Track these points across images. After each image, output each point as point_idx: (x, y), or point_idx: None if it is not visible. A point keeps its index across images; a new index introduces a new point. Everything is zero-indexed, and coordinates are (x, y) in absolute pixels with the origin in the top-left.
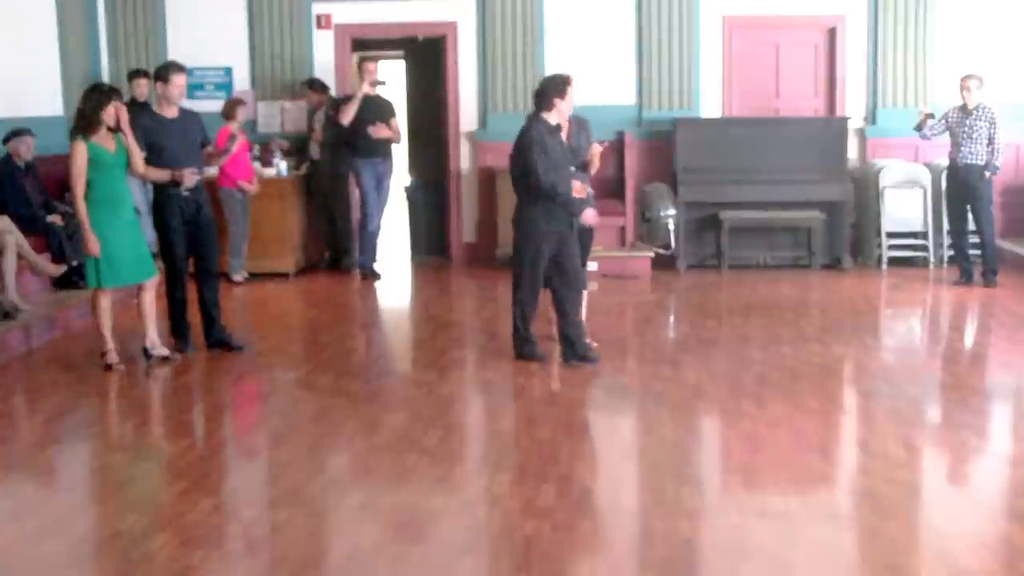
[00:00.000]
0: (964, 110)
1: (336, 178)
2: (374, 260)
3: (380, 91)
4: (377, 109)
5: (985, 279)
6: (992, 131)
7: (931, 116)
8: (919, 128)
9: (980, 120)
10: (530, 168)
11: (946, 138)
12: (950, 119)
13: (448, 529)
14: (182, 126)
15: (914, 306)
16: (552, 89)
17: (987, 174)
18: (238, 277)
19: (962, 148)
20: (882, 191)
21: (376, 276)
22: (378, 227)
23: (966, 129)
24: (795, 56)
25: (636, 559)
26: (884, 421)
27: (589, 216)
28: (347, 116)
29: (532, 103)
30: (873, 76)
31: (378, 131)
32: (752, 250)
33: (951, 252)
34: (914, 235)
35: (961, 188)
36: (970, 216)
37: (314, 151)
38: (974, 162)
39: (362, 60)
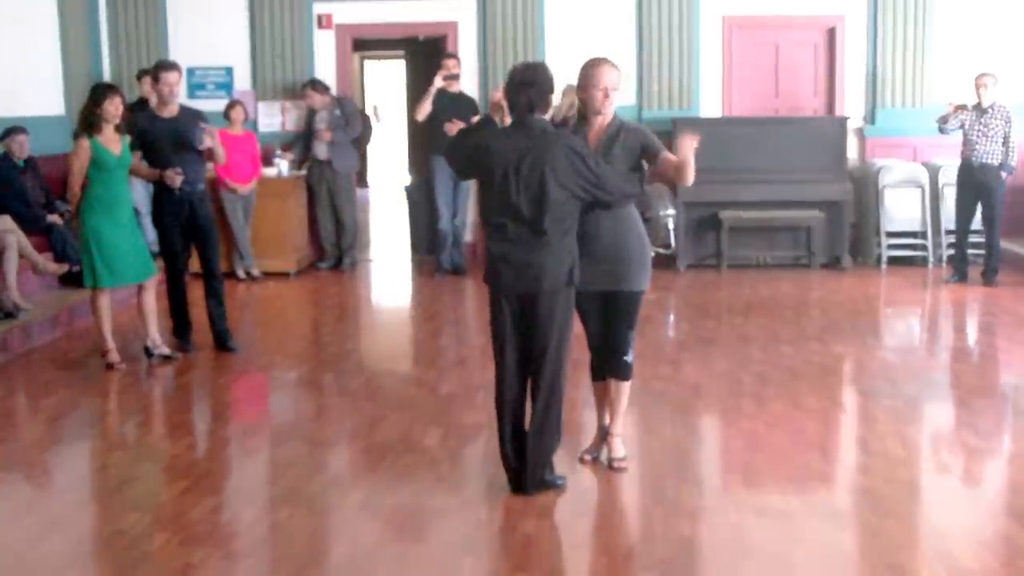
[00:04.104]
0: (979, 109)
1: (344, 177)
2: (445, 256)
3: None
4: (456, 105)
5: (986, 278)
6: (1007, 130)
7: (963, 107)
8: (944, 121)
9: (995, 119)
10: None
11: (952, 137)
12: (964, 118)
13: (448, 529)
14: (175, 125)
15: (914, 305)
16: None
17: (1003, 174)
18: (242, 273)
19: (977, 147)
20: (881, 191)
21: (446, 272)
22: (450, 225)
23: (981, 128)
24: (795, 56)
25: (636, 558)
26: (884, 420)
27: None
28: (421, 112)
29: (532, 103)
30: (872, 76)
31: (453, 128)
32: (752, 250)
33: (952, 252)
34: (913, 235)
35: (975, 187)
36: (976, 216)
37: (320, 151)
38: (990, 161)
39: (444, 56)
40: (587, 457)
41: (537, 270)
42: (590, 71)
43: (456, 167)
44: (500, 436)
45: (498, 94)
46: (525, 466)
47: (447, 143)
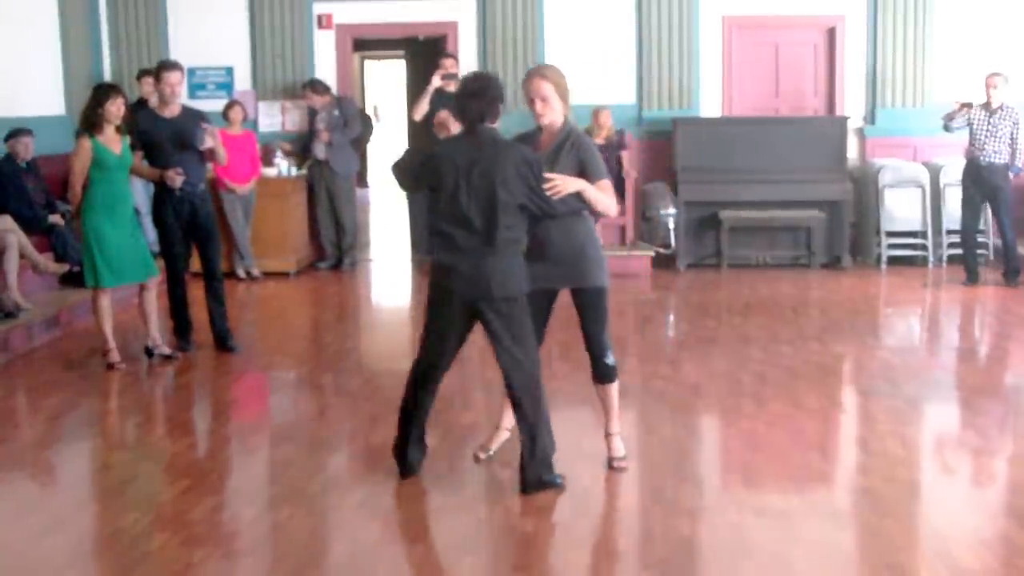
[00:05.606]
0: (987, 109)
1: (343, 178)
2: None
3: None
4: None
5: (1007, 279)
6: (1014, 131)
7: (968, 106)
8: (950, 118)
9: (1004, 120)
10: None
11: (953, 136)
12: (972, 117)
13: (448, 528)
14: (177, 125)
15: (913, 305)
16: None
17: (1011, 175)
18: (242, 273)
19: (986, 147)
20: (881, 190)
21: None
22: None
23: (990, 128)
24: (795, 56)
25: (636, 558)
26: (884, 420)
27: None
28: (419, 111)
29: (480, 114)
30: (872, 76)
31: (444, 116)
32: (752, 249)
33: (952, 251)
34: (913, 234)
35: (982, 187)
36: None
37: (320, 151)
38: (997, 161)
39: (443, 56)
40: (481, 455)
41: (487, 278)
42: (522, 83)
43: (403, 180)
44: (402, 431)
45: (443, 114)
46: (522, 470)
47: (399, 159)
